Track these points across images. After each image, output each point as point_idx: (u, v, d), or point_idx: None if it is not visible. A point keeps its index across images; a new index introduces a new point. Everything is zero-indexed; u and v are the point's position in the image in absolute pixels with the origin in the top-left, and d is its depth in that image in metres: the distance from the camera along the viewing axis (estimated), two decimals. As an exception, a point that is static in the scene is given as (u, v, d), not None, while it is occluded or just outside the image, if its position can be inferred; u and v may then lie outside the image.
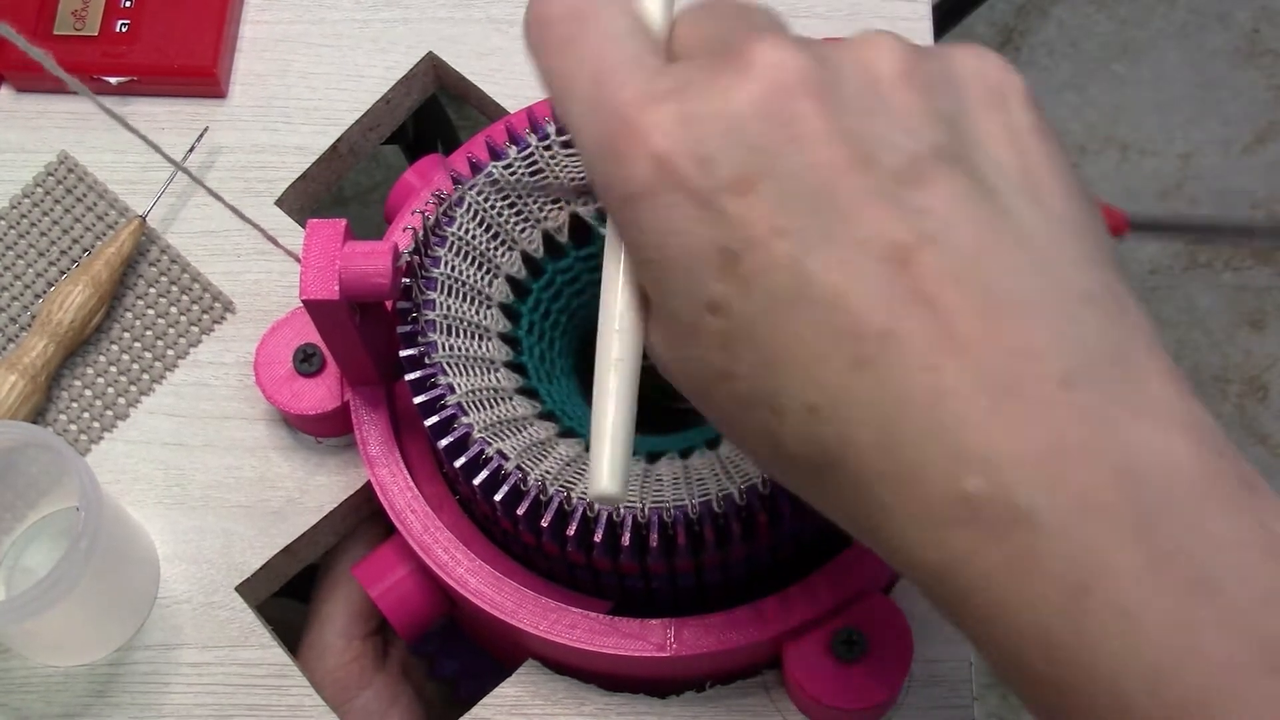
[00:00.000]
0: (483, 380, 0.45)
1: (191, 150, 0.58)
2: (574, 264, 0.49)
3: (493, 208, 0.47)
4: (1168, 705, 0.27)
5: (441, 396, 0.44)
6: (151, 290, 0.57)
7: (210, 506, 0.54)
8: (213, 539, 0.53)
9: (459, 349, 0.45)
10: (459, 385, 0.45)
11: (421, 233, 0.47)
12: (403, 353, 0.46)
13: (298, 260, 0.44)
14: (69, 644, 0.52)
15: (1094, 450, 0.28)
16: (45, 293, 0.57)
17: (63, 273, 0.58)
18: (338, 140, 0.59)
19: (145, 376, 0.56)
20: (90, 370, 0.56)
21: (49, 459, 0.51)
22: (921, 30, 0.59)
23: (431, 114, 0.89)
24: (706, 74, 0.31)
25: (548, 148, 0.47)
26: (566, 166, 0.47)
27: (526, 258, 0.48)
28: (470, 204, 0.47)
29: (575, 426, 0.46)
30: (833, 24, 0.59)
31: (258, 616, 0.53)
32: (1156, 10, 1.45)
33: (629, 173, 0.30)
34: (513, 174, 0.47)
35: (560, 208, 0.48)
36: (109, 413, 0.56)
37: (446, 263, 0.46)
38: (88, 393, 0.56)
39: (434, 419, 0.44)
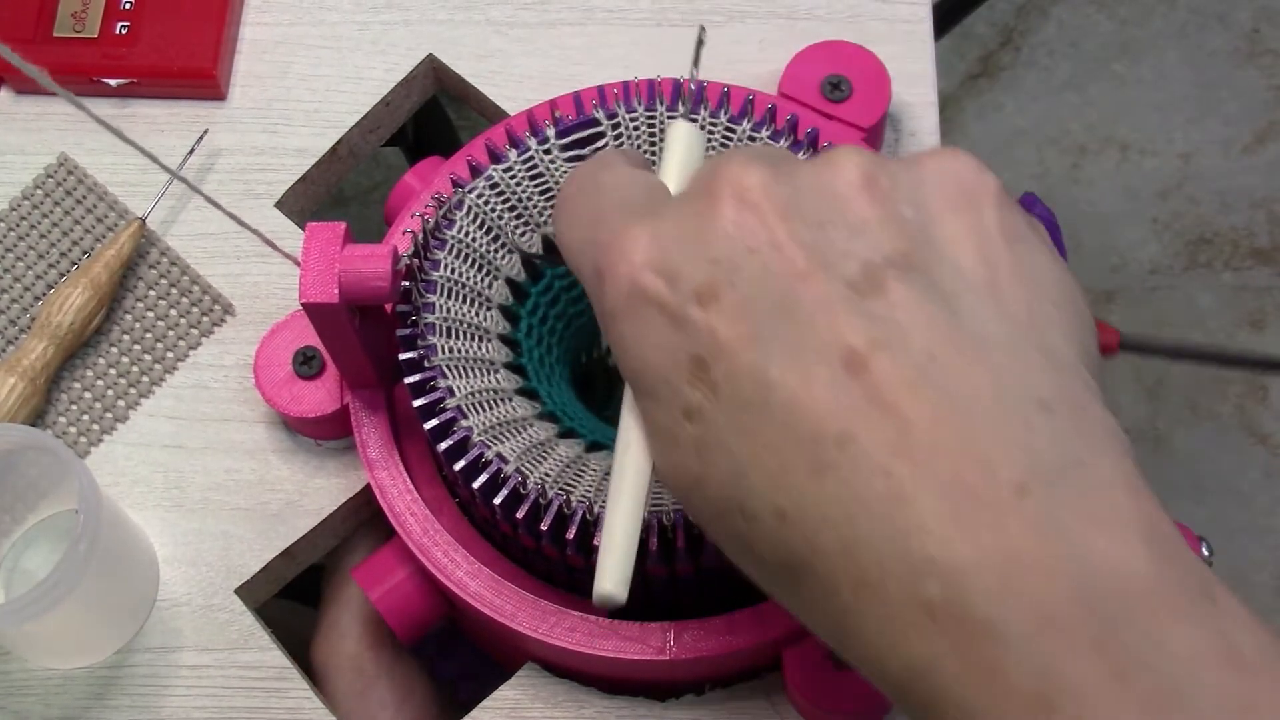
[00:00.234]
0: (482, 381, 0.45)
1: (191, 153, 0.58)
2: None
3: (493, 211, 0.47)
4: None
5: (441, 400, 0.44)
6: (151, 293, 0.57)
7: (209, 509, 0.54)
8: (212, 541, 0.53)
9: (459, 351, 0.45)
10: (459, 388, 0.45)
11: (421, 236, 0.47)
12: (402, 356, 0.46)
13: (297, 264, 0.44)
14: (68, 646, 0.52)
15: (1049, 560, 0.28)
16: (44, 295, 0.57)
17: (62, 275, 0.58)
18: (338, 142, 0.59)
19: (145, 379, 0.56)
20: (90, 373, 0.56)
21: (48, 462, 0.51)
22: (922, 31, 0.59)
23: (432, 115, 0.89)
24: (680, 201, 0.33)
25: (547, 151, 0.47)
26: (565, 171, 0.47)
27: (526, 261, 0.48)
28: (470, 207, 0.47)
29: (575, 427, 0.46)
30: (833, 26, 0.59)
31: (257, 619, 0.53)
32: (1156, 10, 1.45)
33: (610, 290, 0.33)
34: (512, 177, 0.47)
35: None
36: (108, 415, 0.56)
37: (446, 265, 0.46)
38: (87, 395, 0.56)
39: (433, 422, 0.44)
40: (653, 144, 0.47)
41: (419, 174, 0.55)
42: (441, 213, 0.47)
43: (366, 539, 0.57)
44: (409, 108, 0.62)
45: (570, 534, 0.43)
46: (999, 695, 0.28)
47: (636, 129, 0.47)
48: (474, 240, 0.47)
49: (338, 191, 0.86)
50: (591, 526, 0.43)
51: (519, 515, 0.43)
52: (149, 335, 0.57)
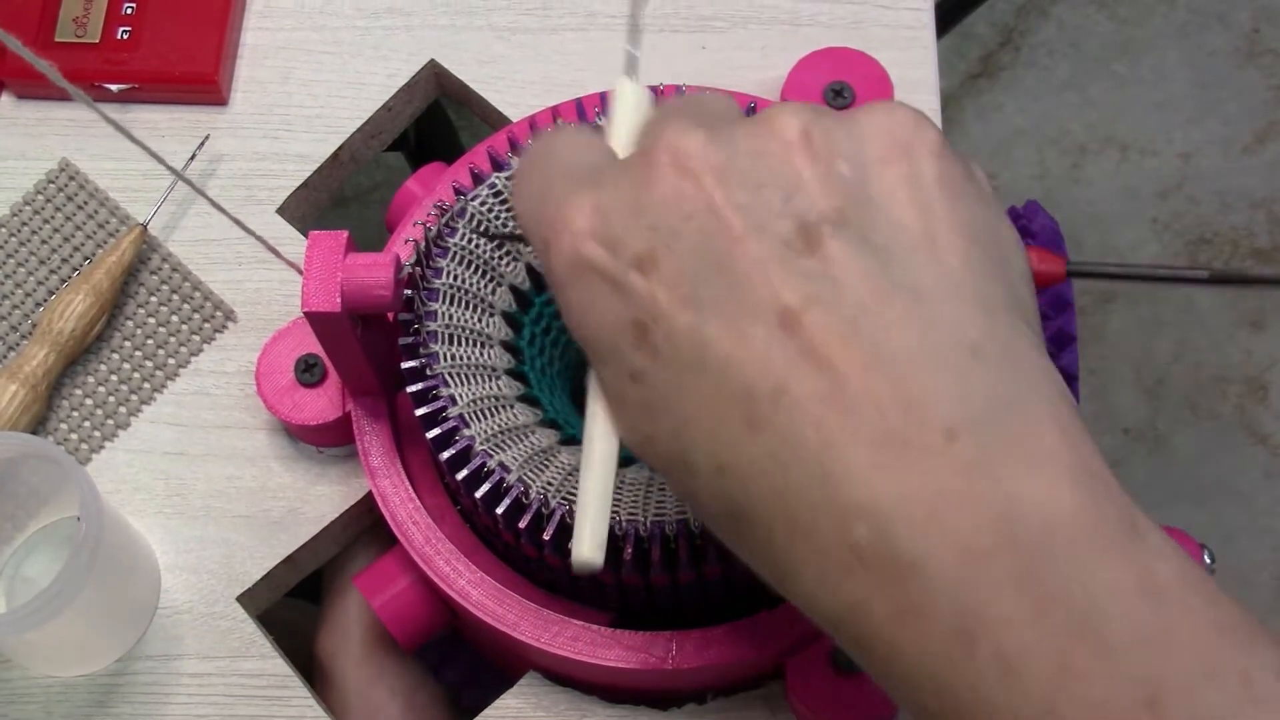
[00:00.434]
0: (485, 388, 0.45)
1: (192, 158, 0.58)
2: None
3: (496, 218, 0.47)
4: None
5: (443, 409, 0.44)
6: (153, 299, 0.57)
7: (211, 516, 0.54)
8: (213, 549, 0.53)
9: (461, 357, 0.45)
10: (461, 396, 0.45)
11: (423, 244, 0.47)
12: (404, 364, 0.45)
13: (299, 270, 0.44)
14: (69, 654, 0.51)
15: (974, 500, 0.29)
16: (46, 301, 0.57)
17: (63, 281, 0.58)
18: (339, 148, 0.59)
19: (146, 385, 0.56)
20: (91, 379, 0.56)
21: (50, 469, 0.51)
22: (924, 38, 0.59)
23: (434, 120, 0.89)
24: (621, 168, 0.34)
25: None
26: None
27: (529, 268, 0.48)
28: (472, 214, 0.47)
29: (577, 434, 0.46)
30: (836, 32, 0.59)
31: (259, 627, 0.53)
32: (1156, 10, 1.45)
33: (555, 259, 0.34)
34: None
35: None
36: (110, 422, 0.55)
37: (449, 272, 0.46)
38: (88, 402, 0.56)
39: (436, 431, 0.44)
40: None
41: (421, 180, 0.55)
42: (444, 220, 0.47)
43: (368, 543, 0.57)
44: (411, 113, 0.62)
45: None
46: (923, 632, 0.29)
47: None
48: (477, 247, 0.47)
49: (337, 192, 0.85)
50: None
51: (521, 525, 0.43)
52: (150, 341, 0.57)
